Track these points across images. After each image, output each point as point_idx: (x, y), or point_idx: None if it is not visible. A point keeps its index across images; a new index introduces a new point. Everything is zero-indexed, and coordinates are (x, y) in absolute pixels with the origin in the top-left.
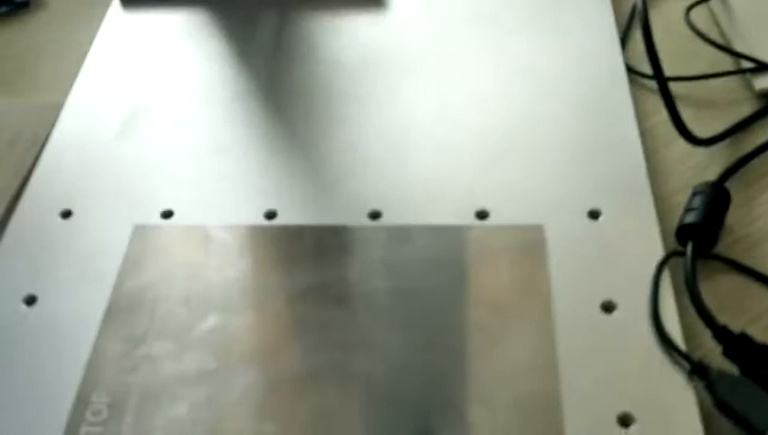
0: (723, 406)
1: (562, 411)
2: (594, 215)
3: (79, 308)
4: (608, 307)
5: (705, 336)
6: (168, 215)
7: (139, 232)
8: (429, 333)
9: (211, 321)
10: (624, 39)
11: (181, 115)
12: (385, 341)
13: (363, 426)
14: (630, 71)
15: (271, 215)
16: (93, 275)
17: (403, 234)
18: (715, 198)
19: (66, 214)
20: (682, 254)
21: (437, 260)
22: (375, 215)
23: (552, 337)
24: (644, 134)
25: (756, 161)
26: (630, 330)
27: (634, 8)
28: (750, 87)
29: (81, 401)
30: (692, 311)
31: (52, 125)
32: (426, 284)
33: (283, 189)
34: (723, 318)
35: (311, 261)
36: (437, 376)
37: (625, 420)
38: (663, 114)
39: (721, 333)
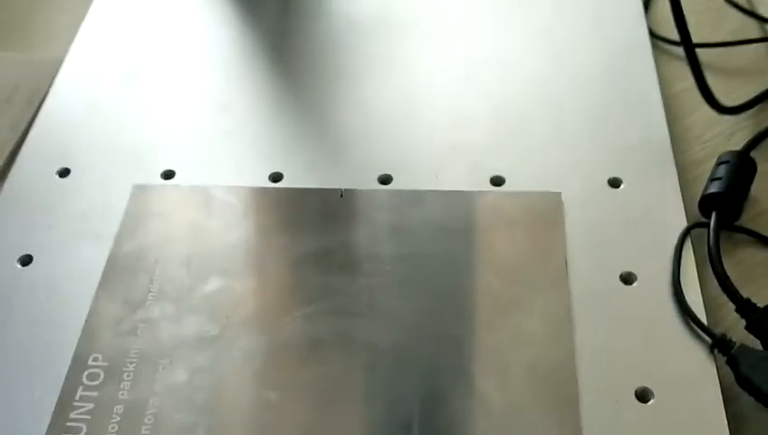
0: (745, 382)
1: (577, 385)
2: (615, 183)
3: (76, 269)
4: (627, 278)
5: (728, 310)
6: (169, 175)
7: (139, 192)
8: (439, 300)
9: (212, 284)
10: (647, 3)
11: (184, 73)
12: (392, 308)
13: (369, 395)
14: (653, 36)
15: (276, 177)
16: (91, 236)
17: (414, 199)
18: (741, 168)
19: (64, 172)
20: (705, 225)
21: (449, 226)
22: (385, 180)
23: (568, 308)
24: (667, 101)
25: None
26: (650, 302)
27: None
28: None
29: (78, 365)
30: (714, 284)
31: (51, 81)
32: (436, 250)
33: (290, 151)
34: (746, 292)
35: (316, 225)
36: (447, 345)
37: (643, 396)
38: (687, 81)
39: (744, 306)
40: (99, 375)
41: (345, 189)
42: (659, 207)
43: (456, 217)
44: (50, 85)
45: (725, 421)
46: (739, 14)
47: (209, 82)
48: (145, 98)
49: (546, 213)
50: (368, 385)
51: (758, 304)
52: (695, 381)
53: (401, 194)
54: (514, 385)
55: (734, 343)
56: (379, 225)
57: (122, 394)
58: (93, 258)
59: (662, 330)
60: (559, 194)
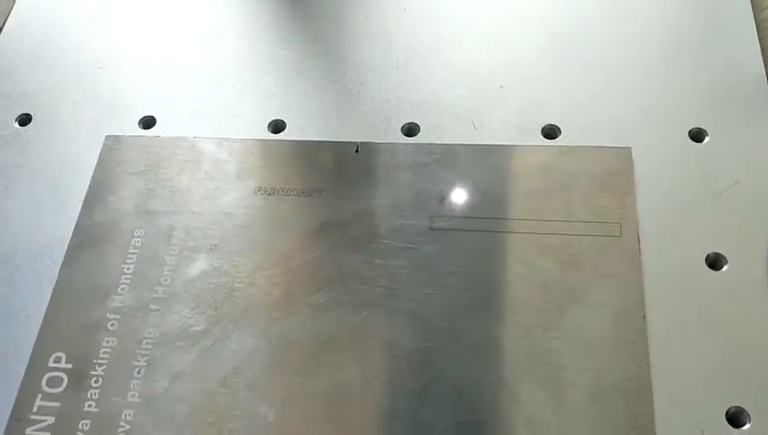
0: None
1: (652, 397)
2: (697, 136)
3: (34, 243)
4: (715, 262)
5: None
6: (148, 123)
7: (112, 144)
8: (475, 291)
9: (199, 265)
10: None
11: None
12: (417, 299)
13: (387, 415)
14: None
15: (278, 127)
16: (54, 200)
17: (446, 154)
18: None
19: (24, 120)
20: None
21: (490, 191)
22: (410, 130)
23: (641, 301)
24: (762, 30)
25: None
26: (743, 292)
27: None
28: None
29: (36, 367)
30: None
31: (8, 13)
32: (473, 223)
33: (294, 94)
34: None
35: (326, 189)
36: (485, 351)
37: (737, 420)
38: None
39: None
40: (61, 380)
41: (361, 143)
42: (754, 167)
43: (498, 179)
44: (6, 16)
45: None
46: None
47: (196, 10)
48: (119, 29)
49: (612, 174)
50: (386, 401)
51: None
52: None
53: (430, 148)
54: (572, 407)
55: None
56: (402, 187)
57: (90, 405)
58: (56, 229)
59: (758, 327)
60: (628, 150)
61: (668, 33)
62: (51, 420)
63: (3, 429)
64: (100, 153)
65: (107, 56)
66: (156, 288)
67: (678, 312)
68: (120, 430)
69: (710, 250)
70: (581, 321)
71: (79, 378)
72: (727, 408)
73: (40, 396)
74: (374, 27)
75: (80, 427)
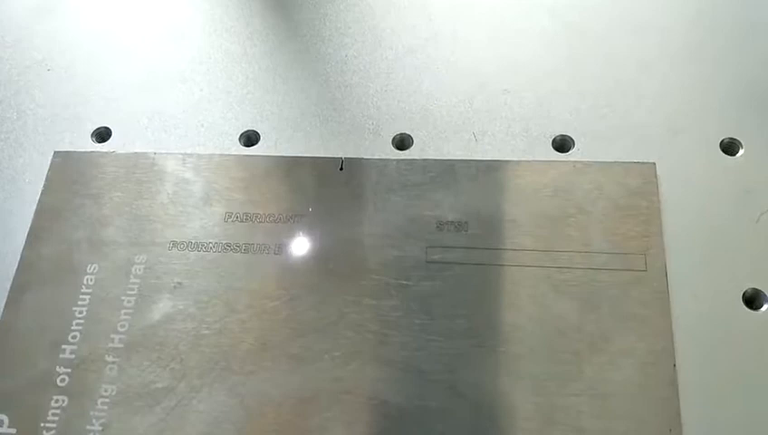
0: None
1: None
2: (730, 148)
3: None
4: (753, 299)
5: None
6: (103, 136)
7: (62, 162)
8: (481, 338)
9: (163, 306)
10: None
11: None
12: (413, 346)
13: None
14: None
15: (251, 140)
16: None
17: (443, 171)
18: None
19: None
20: None
21: (495, 217)
22: (403, 143)
23: (670, 344)
24: None
25: None
26: None
27: None
28: None
29: None
30: None
31: None
32: (477, 257)
33: (269, 101)
34: None
35: (308, 214)
36: (491, 408)
37: None
38: None
39: None
40: None
41: (346, 158)
42: None
43: (503, 203)
44: None
45: None
46: None
47: (157, 3)
48: (69, 25)
49: (635, 195)
50: None
51: None
52: None
53: (425, 165)
54: None
55: None
56: (394, 212)
57: None
58: None
59: None
60: (652, 166)
61: (696, 28)
62: None
63: None
64: (48, 172)
65: (55, 56)
66: (112, 336)
67: (714, 359)
68: None
69: (748, 285)
70: (602, 373)
71: None
72: None
73: None
74: (360, 21)
75: None
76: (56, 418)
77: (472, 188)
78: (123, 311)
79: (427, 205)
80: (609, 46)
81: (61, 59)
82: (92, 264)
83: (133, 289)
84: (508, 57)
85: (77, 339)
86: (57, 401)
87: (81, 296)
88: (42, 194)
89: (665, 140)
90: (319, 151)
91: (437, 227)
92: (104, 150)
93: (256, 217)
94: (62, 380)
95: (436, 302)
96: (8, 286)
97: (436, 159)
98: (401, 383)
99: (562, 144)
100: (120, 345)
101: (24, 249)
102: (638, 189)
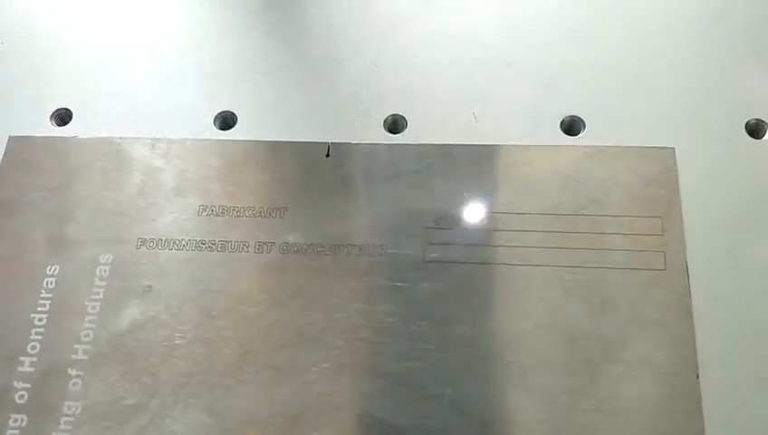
0: None
1: None
2: (756, 130)
3: None
4: None
5: None
6: (63, 118)
7: (18, 147)
8: (486, 346)
9: (131, 313)
10: None
11: None
12: (410, 354)
13: None
14: None
15: (227, 122)
16: None
17: (440, 156)
18: None
19: None
20: None
21: (499, 209)
22: (395, 125)
23: (693, 352)
24: None
25: None
26: None
27: None
28: None
29: None
30: None
31: None
32: (480, 255)
33: (247, 79)
34: None
35: (291, 206)
36: (497, 424)
37: None
38: None
39: None
40: None
41: (332, 143)
42: None
43: (508, 193)
44: None
45: None
46: None
47: None
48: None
49: (652, 184)
50: None
51: None
52: None
53: (421, 150)
54: None
55: None
56: (387, 204)
57: None
58: None
59: None
60: (671, 150)
61: (720, 5)
62: None
63: None
64: (2, 160)
65: (8, 30)
66: (75, 346)
67: (741, 369)
68: None
69: None
70: (618, 384)
71: None
72: None
73: None
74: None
75: None
76: None
77: (473, 177)
78: (87, 318)
79: (424, 196)
80: (624, 16)
81: (15, 32)
82: (52, 265)
83: (98, 293)
84: (512, 27)
85: (36, 350)
86: (15, 420)
87: (40, 302)
88: None
89: (685, 121)
90: (302, 135)
91: (435, 221)
92: (65, 135)
93: (234, 210)
94: (21, 396)
95: (436, 306)
96: None
97: (432, 144)
98: (397, 399)
99: (572, 126)
100: (85, 357)
101: None
102: (655, 178)
